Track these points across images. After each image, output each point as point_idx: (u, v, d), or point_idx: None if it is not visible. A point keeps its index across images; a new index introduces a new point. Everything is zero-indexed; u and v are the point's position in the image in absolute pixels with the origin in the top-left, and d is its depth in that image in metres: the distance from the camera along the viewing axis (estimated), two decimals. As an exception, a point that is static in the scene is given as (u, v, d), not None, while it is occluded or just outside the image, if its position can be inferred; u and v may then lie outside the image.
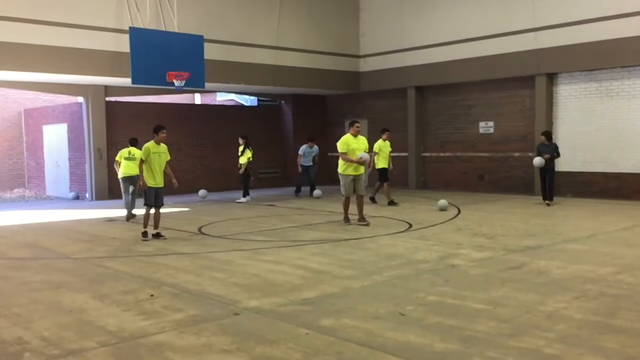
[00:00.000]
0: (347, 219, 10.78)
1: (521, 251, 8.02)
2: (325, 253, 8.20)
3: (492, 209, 12.74)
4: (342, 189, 10.70)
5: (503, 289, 6.01)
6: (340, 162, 10.64)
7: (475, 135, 17.16)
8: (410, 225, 10.56)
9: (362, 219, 10.64)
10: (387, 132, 14.00)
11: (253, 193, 18.01)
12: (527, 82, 15.74)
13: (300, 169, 16.74)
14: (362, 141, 10.76)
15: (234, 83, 17.07)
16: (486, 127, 16.94)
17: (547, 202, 13.09)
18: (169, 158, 9.86)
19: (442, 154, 18.14)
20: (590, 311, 5.19)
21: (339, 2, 19.41)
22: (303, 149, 16.80)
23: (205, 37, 15.05)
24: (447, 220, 11.20)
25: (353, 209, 10.84)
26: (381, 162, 13.79)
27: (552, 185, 13.13)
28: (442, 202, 12.79)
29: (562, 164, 14.24)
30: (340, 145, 10.55)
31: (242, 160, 15.65)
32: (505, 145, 16.52)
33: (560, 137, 14.78)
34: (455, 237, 9.28)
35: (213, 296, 5.98)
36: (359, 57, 19.81)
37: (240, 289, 6.22)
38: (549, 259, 7.47)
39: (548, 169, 13.01)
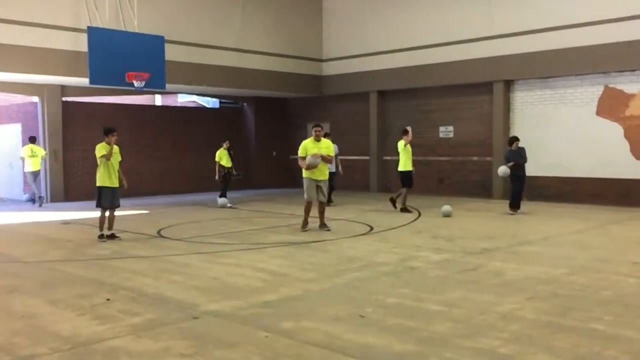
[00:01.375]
0: (304, 224, 10.45)
1: (478, 253, 8.17)
2: (286, 256, 8.20)
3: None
4: (305, 194, 10.46)
5: (460, 291, 6.11)
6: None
7: (436, 140, 17.42)
8: (371, 228, 10.64)
9: (323, 225, 10.46)
10: (407, 133, 12.90)
11: (213, 195, 17.91)
12: (485, 88, 16.08)
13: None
14: (325, 145, 10.46)
15: (195, 85, 16.93)
16: (446, 131, 17.22)
17: (512, 211, 12.40)
18: (120, 159, 9.80)
19: (402, 158, 18.31)
20: (543, 311, 5.32)
21: (303, 6, 19.46)
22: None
23: (166, 38, 14.89)
24: (408, 223, 11.33)
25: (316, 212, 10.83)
26: (402, 164, 12.83)
27: (521, 193, 12.54)
28: (447, 208, 12.20)
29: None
30: (300, 149, 10.43)
31: (228, 163, 15.19)
32: (464, 150, 16.83)
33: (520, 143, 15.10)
34: (415, 240, 9.39)
35: (171, 300, 5.91)
36: (321, 60, 19.89)
37: (200, 293, 6.17)
38: (505, 260, 7.64)
39: (520, 176, 12.36)
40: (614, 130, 14.00)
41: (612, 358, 4.18)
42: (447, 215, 12.07)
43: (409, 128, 13.11)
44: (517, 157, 12.32)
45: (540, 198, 14.71)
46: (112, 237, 9.62)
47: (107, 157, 9.44)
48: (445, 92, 17.11)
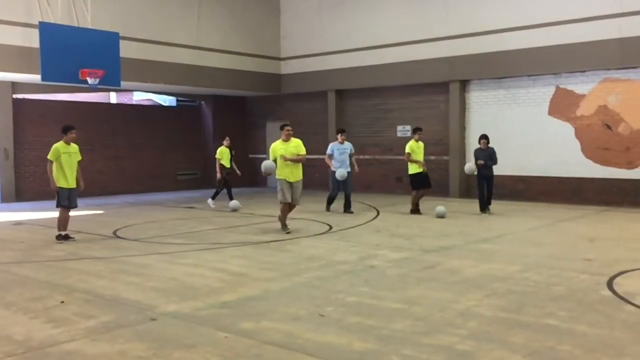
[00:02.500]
0: (284, 226, 10.16)
1: (436, 251, 8.29)
2: (246, 255, 8.15)
3: (409, 210, 13.07)
4: (279, 195, 10.12)
5: (419, 288, 6.19)
6: (277, 167, 10.10)
7: (394, 139, 17.58)
8: (331, 227, 10.68)
9: (284, 226, 10.20)
10: (419, 132, 12.51)
11: (171, 195, 17.68)
12: (441, 87, 16.33)
13: (337, 174, 12.54)
14: (294, 144, 10.15)
15: (152, 82, 16.65)
16: (404, 130, 17.39)
17: (486, 211, 12.39)
18: (80, 158, 9.57)
19: (362, 157, 18.40)
20: (499, 308, 5.43)
21: (260, 4, 19.37)
22: (332, 146, 13.06)
23: (121, 34, 14.58)
24: (367, 222, 11.41)
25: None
26: (412, 167, 12.38)
27: (491, 193, 12.52)
28: (440, 209, 11.99)
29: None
30: (270, 153, 10.20)
31: (228, 163, 14.41)
32: (422, 149, 17.01)
33: (473, 142, 15.39)
34: (374, 239, 9.47)
35: (128, 301, 5.80)
36: (280, 59, 19.83)
37: (158, 294, 6.07)
38: (462, 258, 7.77)
39: (487, 176, 12.38)
40: (566, 130, 14.41)
41: (565, 352, 4.30)
42: (441, 216, 11.80)
43: (417, 128, 12.74)
44: (486, 157, 12.35)
45: (495, 196, 14.96)
46: (66, 237, 9.41)
47: (52, 187, 9.28)
48: (403, 91, 17.29)
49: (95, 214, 13.08)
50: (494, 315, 5.20)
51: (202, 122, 20.80)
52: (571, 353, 4.28)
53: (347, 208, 12.80)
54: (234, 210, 13.38)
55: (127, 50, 14.77)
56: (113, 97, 22.86)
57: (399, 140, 17.49)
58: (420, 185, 12.47)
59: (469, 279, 6.62)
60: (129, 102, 22.86)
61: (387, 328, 4.87)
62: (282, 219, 10.23)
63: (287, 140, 10.22)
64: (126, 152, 18.46)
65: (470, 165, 12.40)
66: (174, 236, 9.94)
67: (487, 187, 12.47)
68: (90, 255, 8.29)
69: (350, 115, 18.67)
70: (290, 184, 10.13)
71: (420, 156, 12.44)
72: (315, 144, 19.26)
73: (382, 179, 17.84)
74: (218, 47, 17.97)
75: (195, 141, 20.45)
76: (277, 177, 10.19)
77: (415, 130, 12.66)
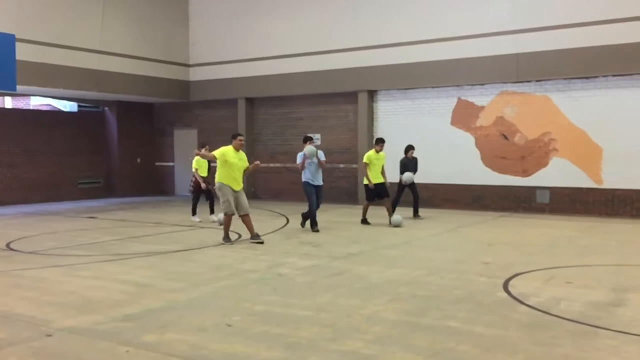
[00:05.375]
0: (226, 238, 9.81)
1: (344, 258, 8.40)
2: (151, 266, 7.90)
3: (318, 218, 13.16)
4: (223, 206, 9.63)
5: (327, 295, 6.24)
6: (218, 172, 9.70)
7: (303, 147, 17.65)
8: (240, 236, 10.56)
9: (255, 236, 9.80)
10: (381, 143, 12.14)
11: (71, 204, 16.88)
12: (351, 97, 16.65)
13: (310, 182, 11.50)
14: (243, 157, 9.91)
15: (51, 87, 15.85)
16: (313, 139, 17.53)
17: (417, 216, 13.10)
18: None
19: (272, 165, 18.46)
20: (404, 312, 5.58)
21: (167, 10, 18.95)
22: (306, 151, 11.59)
23: (17, 36, 13.76)
24: (276, 230, 11.39)
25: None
26: (369, 177, 11.91)
27: (418, 198, 13.18)
28: (397, 218, 11.86)
29: (382, 175, 15.21)
30: (217, 152, 9.69)
31: (205, 173, 12.86)
32: (331, 157, 17.18)
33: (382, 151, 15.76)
34: (283, 247, 9.46)
35: (22, 317, 5.45)
36: (188, 66, 19.48)
37: (54, 308, 5.75)
38: (369, 264, 7.92)
39: (412, 185, 12.99)
40: (467, 140, 15.10)
41: (465, 352, 4.47)
42: (397, 225, 11.69)
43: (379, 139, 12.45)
44: (412, 166, 12.97)
45: (402, 203, 15.42)
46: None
47: None
48: (313, 100, 17.47)
49: (-14, 226, 12.24)
50: (398, 319, 5.33)
51: (105, 128, 20.01)
52: (470, 353, 4.46)
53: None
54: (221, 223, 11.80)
55: (24, 52, 13.97)
56: (8, 102, 21.56)
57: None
58: (375, 196, 12.08)
59: (375, 284, 6.75)
60: (25, 107, 21.61)
61: (294, 336, 4.87)
62: (225, 230, 9.87)
63: (238, 150, 9.85)
64: (22, 160, 17.42)
65: (410, 175, 12.76)
66: (74, 247, 9.47)
67: (413, 193, 13.18)
68: (-21, 269, 7.74)
69: (260, 123, 18.63)
70: (235, 193, 9.74)
71: (377, 168, 12.07)
72: (225, 152, 19.12)
73: (292, 186, 17.88)
74: (123, 52, 17.40)
75: (98, 148, 19.65)
76: (220, 183, 9.65)
77: (378, 141, 12.29)
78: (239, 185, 9.78)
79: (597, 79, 13.58)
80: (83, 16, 16.41)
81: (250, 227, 9.82)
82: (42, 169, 17.85)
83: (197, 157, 12.70)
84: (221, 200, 9.70)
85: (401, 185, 12.99)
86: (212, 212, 12.84)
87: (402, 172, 12.93)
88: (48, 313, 5.59)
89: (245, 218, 9.80)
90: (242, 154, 9.96)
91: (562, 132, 14.00)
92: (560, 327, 5.09)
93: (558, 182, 14.07)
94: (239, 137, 9.97)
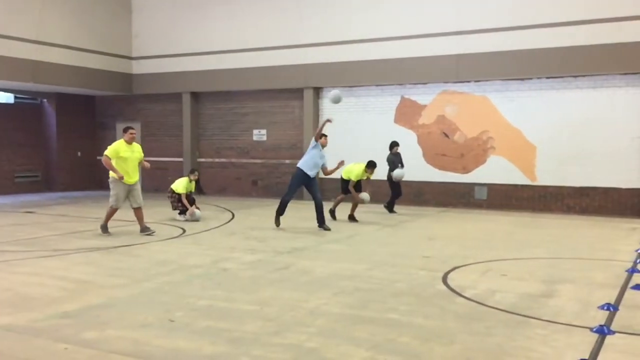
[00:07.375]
0: (105, 228, 9.95)
1: (289, 252, 8.47)
2: (92, 262, 7.75)
3: (264, 213, 13.21)
4: (112, 199, 9.83)
5: (271, 289, 6.29)
6: (118, 167, 9.77)
7: (249, 142, 17.68)
8: (184, 231, 10.48)
9: (145, 228, 9.94)
10: (371, 168, 12.17)
11: (7, 199, 16.30)
12: (296, 93, 16.72)
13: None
14: (137, 149, 10.04)
15: (-16, 77, 15.24)
16: (259, 134, 17.55)
17: (392, 211, 13.50)
18: None
19: (217, 160, 18.32)
20: (347, 305, 5.69)
21: (109, 0, 18.49)
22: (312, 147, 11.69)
23: (-52, 22, 13.21)
24: (221, 225, 11.35)
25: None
26: (348, 174, 12.15)
27: (399, 195, 13.58)
28: (335, 93, 11.08)
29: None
30: (109, 150, 9.80)
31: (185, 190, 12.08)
32: (277, 153, 17.30)
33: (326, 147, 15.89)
34: (228, 241, 9.45)
35: (-46, 316, 5.28)
36: (131, 58, 19.08)
37: (-11, 306, 5.58)
38: (313, 259, 8.02)
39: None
40: (409, 137, 15.41)
41: (405, 344, 4.61)
42: (336, 100, 11.11)
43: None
44: (399, 162, 13.34)
45: (347, 199, 15.62)
46: None
47: None
48: (259, 96, 17.44)
49: None
50: (341, 312, 5.43)
51: (44, 121, 19.37)
52: (409, 344, 4.60)
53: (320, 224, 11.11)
54: (196, 220, 11.87)
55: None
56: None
57: (254, 144, 17.62)
58: (348, 190, 12.21)
59: (319, 278, 6.85)
60: (-43, 97, 20.66)
61: (238, 330, 4.90)
62: (105, 221, 9.98)
63: (130, 143, 9.98)
64: (-46, 153, 16.70)
65: (401, 171, 13.11)
66: (11, 243, 9.17)
67: (396, 188, 13.54)
68: None
69: (206, 118, 18.45)
70: (129, 187, 9.86)
71: (357, 176, 12.16)
72: (170, 146, 18.89)
73: (237, 181, 17.84)
74: (62, 42, 16.88)
75: (35, 141, 19.01)
76: (113, 178, 9.77)
77: (370, 165, 12.22)
78: (133, 179, 9.92)
79: (531, 80, 14.14)
80: (20, 5, 15.82)
81: (141, 220, 10.03)
82: (-24, 163, 17.16)
83: (184, 181, 12.14)
84: (111, 194, 9.89)
85: (393, 181, 13.39)
86: (181, 212, 12.16)
87: (391, 169, 13.28)
88: (-18, 311, 5.42)
89: (137, 211, 10.03)
90: (136, 146, 10.13)
91: (499, 131, 14.50)
92: (494, 317, 5.31)
93: (495, 179, 14.58)
94: (130, 131, 10.07)
